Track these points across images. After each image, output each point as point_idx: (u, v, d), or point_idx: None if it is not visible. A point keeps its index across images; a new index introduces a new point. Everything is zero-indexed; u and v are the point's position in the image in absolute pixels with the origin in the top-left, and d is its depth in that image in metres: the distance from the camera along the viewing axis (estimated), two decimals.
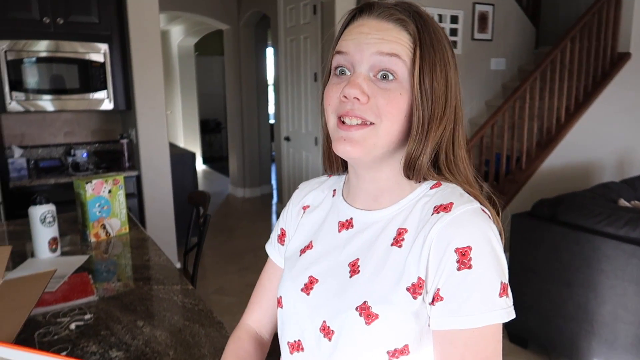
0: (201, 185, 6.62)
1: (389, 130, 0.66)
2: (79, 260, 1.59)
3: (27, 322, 1.15)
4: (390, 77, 0.65)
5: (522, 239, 2.44)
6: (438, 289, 0.63)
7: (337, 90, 0.67)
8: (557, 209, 2.33)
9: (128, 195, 3.13)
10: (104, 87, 3.15)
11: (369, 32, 0.66)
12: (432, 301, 0.64)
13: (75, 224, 2.00)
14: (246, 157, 5.93)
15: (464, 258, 0.62)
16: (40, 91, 3.00)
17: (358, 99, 0.65)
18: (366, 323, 0.65)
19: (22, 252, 1.70)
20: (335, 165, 0.82)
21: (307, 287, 0.75)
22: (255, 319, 0.92)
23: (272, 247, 0.92)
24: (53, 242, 1.63)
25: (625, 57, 3.96)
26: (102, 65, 3.11)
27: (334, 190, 0.83)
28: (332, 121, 0.69)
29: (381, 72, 0.65)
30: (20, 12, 2.88)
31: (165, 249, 1.86)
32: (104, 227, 1.83)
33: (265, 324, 0.92)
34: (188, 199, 2.30)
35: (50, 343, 1.08)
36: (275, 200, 5.93)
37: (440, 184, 0.71)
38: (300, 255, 0.80)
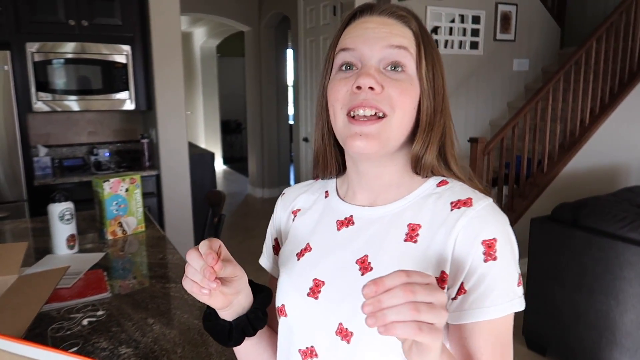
0: (220, 185, 6.69)
1: (401, 122, 0.66)
2: (95, 257, 1.62)
3: (42, 316, 1.18)
4: (400, 69, 0.66)
5: (542, 244, 2.39)
6: (462, 283, 0.63)
7: (345, 84, 0.66)
8: (579, 213, 2.27)
9: (148, 195, 3.19)
10: (126, 88, 3.21)
11: (375, 27, 0.67)
12: (455, 295, 0.64)
13: (93, 222, 2.04)
14: (265, 157, 5.96)
15: (490, 250, 0.63)
16: (65, 92, 3.08)
17: (373, 89, 0.64)
18: None
19: (43, 248, 1.74)
20: (329, 168, 0.79)
21: (314, 291, 0.72)
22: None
23: (265, 258, 0.89)
24: (71, 239, 1.66)
25: None
26: (125, 66, 3.17)
27: (326, 191, 0.81)
28: (340, 118, 0.68)
29: (391, 64, 0.66)
30: (47, 15, 2.96)
31: (182, 249, 1.88)
32: (120, 225, 1.87)
33: None
34: (206, 199, 2.33)
35: (63, 338, 1.10)
36: None
37: (447, 182, 0.71)
38: (298, 259, 0.77)
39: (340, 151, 0.78)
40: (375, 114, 0.65)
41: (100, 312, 1.23)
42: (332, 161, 0.78)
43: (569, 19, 4.97)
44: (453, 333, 0.65)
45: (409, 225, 0.69)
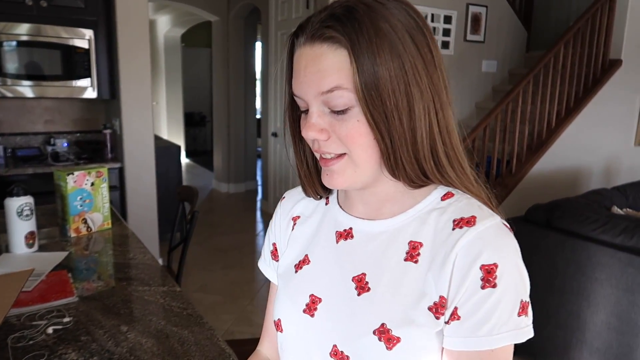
0: (185, 180, 6.49)
1: (363, 156, 0.61)
2: (58, 256, 1.49)
3: (0, 324, 1.06)
4: (340, 109, 0.59)
5: None
6: (456, 308, 0.59)
7: (303, 127, 0.64)
8: (552, 214, 2.30)
9: (110, 188, 3.00)
10: (88, 75, 3.02)
11: (306, 64, 0.59)
12: (448, 320, 0.60)
13: (53, 217, 1.89)
14: (232, 152, 5.82)
15: (489, 276, 0.58)
16: (19, 76, 2.86)
17: (317, 139, 0.62)
18: (387, 348, 0.60)
19: None
20: (313, 189, 0.74)
21: (310, 308, 0.68)
22: (268, 346, 0.86)
23: (267, 265, 0.84)
24: (30, 236, 1.53)
25: (616, 63, 3.98)
26: (87, 51, 2.99)
27: (327, 197, 0.76)
28: (316, 154, 0.66)
29: (330, 108, 0.60)
30: None
31: (147, 244, 1.77)
32: (85, 221, 1.73)
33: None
34: (176, 194, 2.21)
35: (25, 349, 0.99)
36: (260, 196, 5.84)
37: (452, 194, 0.65)
38: (297, 271, 0.73)
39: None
40: (334, 155, 0.62)
41: (66, 319, 1.11)
42: (313, 179, 0.73)
43: (534, 24, 5.08)
44: (447, 356, 0.61)
45: (410, 243, 0.64)
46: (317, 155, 0.66)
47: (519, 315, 0.59)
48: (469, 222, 0.60)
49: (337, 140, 0.61)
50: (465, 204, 0.63)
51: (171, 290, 1.30)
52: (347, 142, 0.60)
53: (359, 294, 0.64)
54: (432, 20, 4.13)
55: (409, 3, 0.61)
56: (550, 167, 3.79)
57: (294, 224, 0.78)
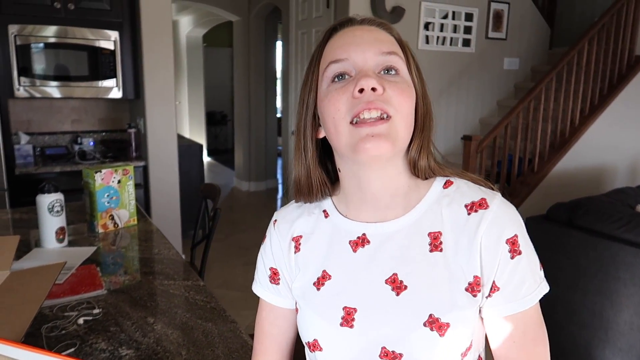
0: (206, 178, 6.58)
1: (405, 122, 0.65)
2: (87, 251, 1.54)
3: (35, 315, 1.11)
4: (394, 72, 0.66)
5: (537, 243, 2.38)
6: (494, 281, 0.65)
7: (344, 92, 0.64)
8: (574, 213, 2.27)
9: (135, 186, 3.07)
10: (113, 75, 3.10)
11: (362, 33, 0.67)
12: (489, 293, 0.66)
13: (81, 214, 1.95)
14: (252, 150, 5.88)
15: (514, 246, 0.65)
16: (47, 77, 2.95)
17: (375, 90, 0.63)
18: (440, 335, 0.64)
19: (26, 241, 1.66)
20: (315, 192, 0.75)
21: (347, 320, 0.68)
22: None
23: (262, 288, 0.81)
24: (60, 232, 1.59)
25: None
26: (112, 52, 3.06)
27: (324, 211, 0.76)
28: (344, 127, 0.64)
29: (386, 69, 0.66)
30: None
31: (170, 241, 1.82)
32: (112, 217, 1.79)
33: None
34: (199, 191, 2.26)
35: (58, 338, 1.04)
36: (280, 194, 5.89)
37: (451, 182, 0.71)
38: (319, 289, 0.72)
39: (325, 172, 0.75)
40: (381, 115, 0.62)
41: (96, 310, 1.16)
42: (317, 183, 0.74)
43: (558, 20, 5.00)
44: (492, 325, 0.68)
45: (430, 234, 0.68)
46: (348, 130, 0.63)
47: (540, 269, 0.68)
48: (481, 204, 0.67)
49: (389, 99, 0.63)
50: (467, 188, 0.70)
51: (195, 285, 1.34)
52: (399, 102, 0.64)
53: (397, 294, 0.66)
54: (454, 18, 4.11)
55: None
56: (573, 166, 3.74)
57: (297, 244, 0.77)
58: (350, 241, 0.72)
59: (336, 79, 0.66)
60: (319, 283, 0.72)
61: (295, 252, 0.76)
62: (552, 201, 2.59)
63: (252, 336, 1.16)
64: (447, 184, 0.71)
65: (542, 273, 0.68)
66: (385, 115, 0.63)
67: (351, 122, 0.63)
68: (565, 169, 3.68)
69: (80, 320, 1.11)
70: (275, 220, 0.81)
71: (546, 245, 2.34)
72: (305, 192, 0.76)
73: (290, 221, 0.79)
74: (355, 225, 0.72)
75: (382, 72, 0.65)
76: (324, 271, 0.73)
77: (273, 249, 0.79)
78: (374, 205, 0.70)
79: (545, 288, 0.67)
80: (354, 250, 0.71)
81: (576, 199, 2.44)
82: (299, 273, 0.75)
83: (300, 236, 0.77)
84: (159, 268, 1.48)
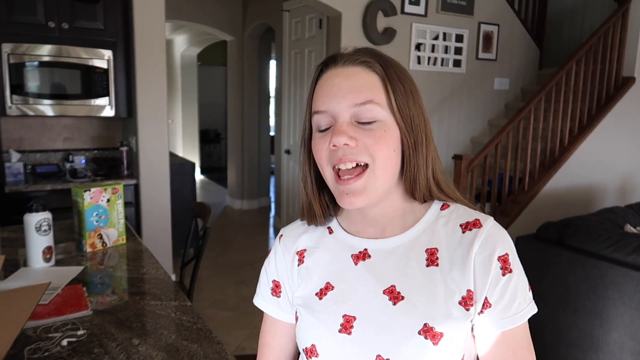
0: (199, 196, 6.57)
1: (384, 167, 0.69)
2: (74, 271, 1.53)
3: (17, 336, 1.10)
4: (370, 120, 0.69)
5: (526, 262, 2.39)
6: (486, 297, 0.69)
7: (324, 142, 0.70)
8: (564, 232, 2.29)
9: (125, 204, 3.06)
10: (106, 94, 3.11)
11: (340, 81, 0.69)
12: (482, 309, 0.69)
13: (70, 232, 1.94)
14: (245, 168, 5.89)
15: (505, 264, 0.69)
16: (40, 95, 2.96)
17: (348, 145, 0.68)
18: (434, 344, 0.67)
19: (14, 260, 1.64)
20: (318, 217, 0.81)
21: (346, 327, 0.72)
22: None
23: (264, 301, 0.86)
24: (47, 251, 1.57)
25: (629, 81, 3.96)
26: (105, 71, 3.08)
27: (328, 227, 0.82)
28: (329, 174, 0.72)
29: (361, 120, 0.69)
30: (26, 16, 2.85)
31: (160, 260, 1.81)
32: (100, 237, 1.78)
33: None
34: (189, 210, 2.26)
35: None
36: (273, 213, 5.88)
37: (449, 205, 0.76)
38: (321, 298, 0.77)
39: (328, 194, 0.79)
40: (356, 165, 0.68)
41: (80, 332, 1.15)
42: (319, 209, 0.80)
43: (547, 41, 5.10)
44: (484, 341, 0.71)
45: (427, 250, 0.73)
46: (330, 176, 0.71)
47: (529, 290, 0.72)
48: (475, 224, 0.72)
49: (363, 148, 0.68)
50: (463, 210, 0.75)
51: (182, 305, 1.33)
52: (374, 150, 0.68)
53: (394, 304, 0.71)
54: (444, 39, 4.18)
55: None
56: (563, 185, 3.77)
57: (301, 257, 0.82)
58: (352, 255, 0.77)
59: (319, 130, 0.72)
60: (322, 293, 0.77)
61: (298, 265, 0.81)
62: (542, 220, 2.60)
63: (237, 357, 1.15)
64: (444, 207, 0.76)
65: (530, 295, 0.71)
66: (362, 163, 0.68)
67: (333, 169, 0.71)
68: (555, 188, 3.71)
69: (64, 342, 1.10)
70: (282, 235, 0.86)
71: (536, 264, 2.35)
72: (309, 217, 0.82)
73: (295, 236, 0.84)
74: (357, 240, 0.77)
75: (358, 122, 0.69)
76: (327, 283, 0.77)
77: (277, 262, 0.84)
78: (374, 225, 0.77)
79: (533, 309, 0.71)
80: (355, 263, 0.76)
81: (566, 218, 2.45)
82: (302, 284, 0.80)
83: (305, 250, 0.82)
84: (146, 288, 1.46)
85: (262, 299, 0.87)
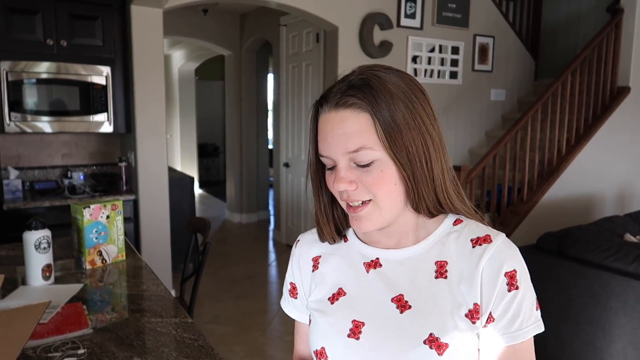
0: (198, 210, 6.55)
1: (387, 200, 0.72)
2: (73, 289, 1.52)
3: (17, 357, 1.09)
4: (368, 163, 0.70)
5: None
6: (490, 312, 0.70)
7: (331, 179, 0.74)
8: (564, 242, 2.29)
9: (124, 220, 3.05)
10: (105, 110, 3.12)
11: (333, 127, 0.70)
12: (485, 323, 0.71)
13: (69, 249, 1.93)
14: (244, 182, 5.89)
15: (512, 280, 0.70)
16: (39, 112, 2.97)
17: (348, 190, 0.71)
18: (438, 354, 0.69)
19: (12, 279, 1.63)
20: (327, 236, 0.83)
21: (354, 332, 0.75)
22: None
23: (289, 305, 0.92)
24: (47, 269, 1.57)
25: (624, 91, 3.99)
26: (104, 87, 3.09)
27: (344, 235, 0.85)
28: (342, 203, 0.76)
29: (356, 164, 0.71)
30: (25, 34, 2.87)
31: (160, 275, 1.80)
32: (100, 253, 1.77)
33: None
34: (187, 225, 2.25)
35: None
36: (272, 226, 5.86)
37: (461, 220, 0.77)
38: (332, 303, 0.80)
39: (342, 209, 0.82)
40: (362, 202, 0.72)
41: (81, 351, 1.14)
42: (329, 233, 0.83)
43: (542, 52, 5.15)
44: (487, 356, 0.72)
45: (436, 262, 0.75)
46: (344, 204, 0.75)
47: (536, 309, 0.72)
48: (486, 239, 0.73)
49: (363, 189, 0.71)
50: (475, 226, 0.76)
51: (183, 322, 1.32)
52: (373, 189, 0.71)
53: (401, 312, 0.73)
54: (440, 52, 4.21)
55: (402, 71, 0.74)
56: (562, 195, 3.78)
57: (316, 263, 0.85)
58: (364, 263, 0.80)
59: (327, 167, 0.75)
60: (334, 298, 0.80)
61: (313, 270, 0.85)
62: (542, 230, 2.60)
63: None
64: (457, 222, 0.77)
65: (538, 314, 0.72)
66: (366, 199, 0.72)
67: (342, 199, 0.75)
68: (554, 197, 3.72)
69: None
70: (298, 241, 0.91)
71: (536, 276, 2.33)
72: (320, 236, 0.85)
73: (311, 242, 0.88)
74: (370, 249, 0.80)
75: (356, 164, 0.71)
76: (339, 288, 0.81)
77: (293, 266, 0.90)
78: (388, 236, 0.79)
79: (539, 328, 0.71)
80: (367, 271, 0.79)
81: (565, 228, 2.46)
82: (316, 289, 0.83)
83: (319, 256, 0.85)
84: (146, 305, 1.46)
85: (285, 302, 0.92)
